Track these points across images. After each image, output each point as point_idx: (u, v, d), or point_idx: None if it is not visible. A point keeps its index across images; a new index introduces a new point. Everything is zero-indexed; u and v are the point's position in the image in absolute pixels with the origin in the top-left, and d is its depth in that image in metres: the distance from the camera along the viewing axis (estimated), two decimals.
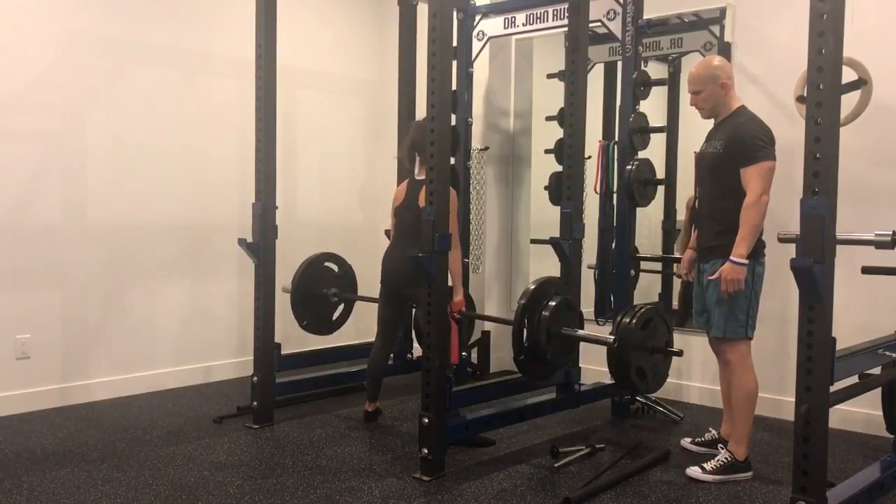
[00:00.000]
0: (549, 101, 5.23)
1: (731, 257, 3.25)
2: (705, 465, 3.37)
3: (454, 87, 4.55)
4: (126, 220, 4.74)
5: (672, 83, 5.18)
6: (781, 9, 4.34)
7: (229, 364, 5.23)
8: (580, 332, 3.61)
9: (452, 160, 4.48)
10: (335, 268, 4.74)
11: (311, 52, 5.70)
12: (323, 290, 4.67)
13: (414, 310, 4.47)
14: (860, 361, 2.90)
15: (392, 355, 4.54)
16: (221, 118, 5.15)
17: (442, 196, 3.36)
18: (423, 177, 3.91)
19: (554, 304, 3.50)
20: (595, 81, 5.11)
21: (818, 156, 2.38)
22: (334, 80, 5.93)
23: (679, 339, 4.37)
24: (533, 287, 3.52)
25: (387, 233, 4.32)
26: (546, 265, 5.24)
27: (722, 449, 3.45)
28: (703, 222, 3.54)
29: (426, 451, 3.37)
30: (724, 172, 3.36)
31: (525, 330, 3.45)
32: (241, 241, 4.10)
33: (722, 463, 3.37)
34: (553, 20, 4.84)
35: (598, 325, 4.79)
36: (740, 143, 3.29)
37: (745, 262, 3.24)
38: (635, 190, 4.39)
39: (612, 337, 3.50)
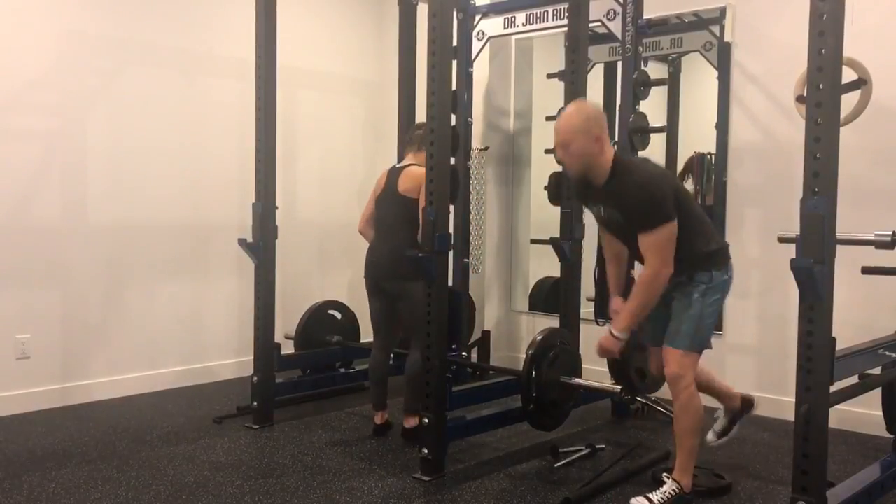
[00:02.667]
0: (549, 101, 5.23)
1: (612, 329, 3.01)
2: (651, 497, 3.03)
3: (454, 87, 4.54)
4: (126, 220, 4.74)
5: (672, 83, 5.18)
6: (781, 9, 4.34)
7: (229, 364, 5.23)
8: (587, 382, 3.80)
9: (452, 160, 4.48)
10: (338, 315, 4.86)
11: (311, 52, 5.70)
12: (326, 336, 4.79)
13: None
14: (860, 361, 2.90)
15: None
16: (221, 118, 5.15)
17: (442, 196, 3.36)
18: (402, 164, 3.92)
19: (557, 356, 3.70)
20: (595, 81, 5.11)
21: (818, 156, 2.38)
22: (334, 80, 5.92)
23: None
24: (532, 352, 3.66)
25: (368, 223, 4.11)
26: (546, 265, 5.24)
27: (668, 478, 3.12)
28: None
29: (426, 451, 3.37)
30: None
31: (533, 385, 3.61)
32: (241, 241, 4.09)
33: (669, 495, 3.05)
34: (553, 20, 4.84)
35: (598, 325, 4.80)
36: (634, 209, 2.93)
37: (624, 337, 3.00)
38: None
39: (619, 387, 3.66)
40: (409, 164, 3.90)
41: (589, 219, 4.44)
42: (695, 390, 3.04)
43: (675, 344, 3.03)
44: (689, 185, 5.21)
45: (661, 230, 2.87)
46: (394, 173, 3.92)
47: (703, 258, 3.04)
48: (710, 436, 3.47)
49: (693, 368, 3.04)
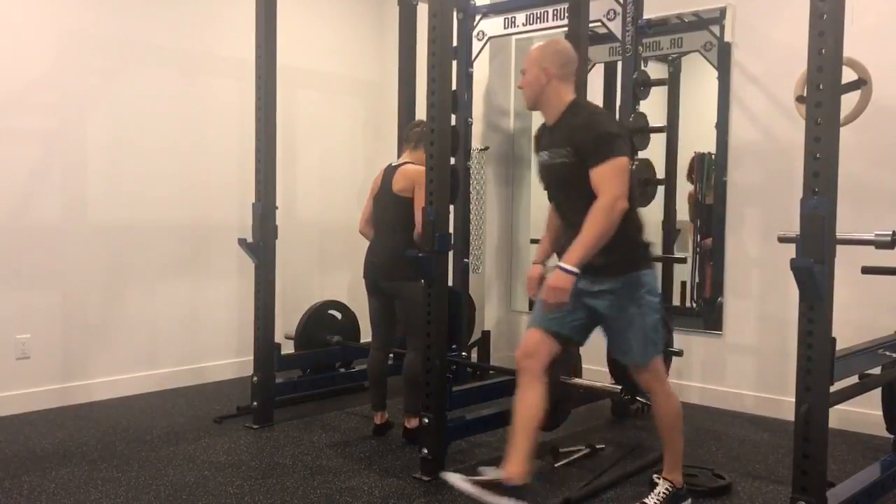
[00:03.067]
0: None
1: (561, 264, 2.69)
2: (647, 501, 2.99)
3: (454, 87, 4.54)
4: (126, 220, 4.74)
5: (672, 83, 5.18)
6: (781, 9, 4.34)
7: (229, 364, 5.23)
8: (587, 382, 3.83)
9: (452, 160, 4.48)
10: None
11: (311, 52, 5.70)
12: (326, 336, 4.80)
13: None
14: (860, 361, 2.90)
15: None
16: (221, 118, 5.15)
17: (442, 196, 3.36)
18: (398, 163, 3.93)
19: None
20: (595, 81, 5.11)
21: (818, 156, 2.38)
22: (334, 80, 5.93)
23: (679, 339, 4.39)
24: None
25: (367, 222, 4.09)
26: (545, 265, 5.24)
27: (659, 480, 3.06)
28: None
29: (426, 451, 3.37)
30: (583, 183, 2.75)
31: None
32: (241, 241, 4.09)
33: (664, 495, 2.99)
34: (553, 20, 4.84)
35: None
36: (587, 142, 2.73)
37: (576, 271, 2.67)
38: (635, 190, 4.38)
39: (619, 387, 3.69)
40: (405, 163, 3.90)
41: None
42: (670, 390, 2.99)
43: (632, 358, 2.91)
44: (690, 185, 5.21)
45: (616, 161, 2.69)
46: (389, 172, 3.92)
47: (635, 249, 2.86)
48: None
49: (660, 371, 2.96)
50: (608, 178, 2.68)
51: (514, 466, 2.77)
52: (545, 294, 2.74)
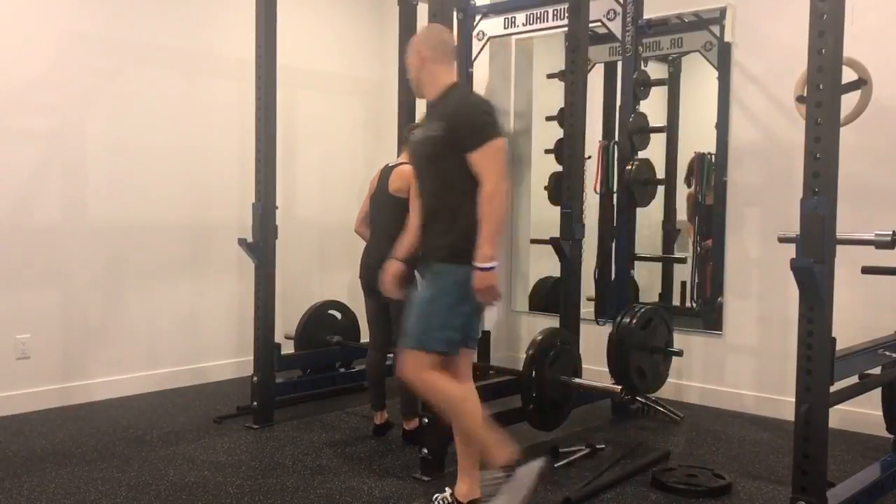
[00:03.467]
0: (549, 101, 5.24)
1: (477, 263, 2.65)
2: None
3: None
4: (126, 220, 4.74)
5: (672, 83, 5.18)
6: (781, 9, 4.34)
7: (229, 364, 5.23)
8: (587, 382, 3.86)
9: None
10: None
11: (311, 52, 5.70)
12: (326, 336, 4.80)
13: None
14: (860, 361, 2.90)
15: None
16: (221, 118, 5.15)
17: None
18: (394, 163, 3.93)
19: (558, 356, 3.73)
20: (595, 81, 5.11)
21: (818, 156, 2.38)
22: (334, 80, 5.93)
23: (679, 339, 4.39)
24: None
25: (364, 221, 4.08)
26: (546, 265, 5.25)
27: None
28: (428, 224, 2.87)
29: (426, 451, 3.37)
30: (446, 162, 2.76)
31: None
32: (241, 241, 4.09)
33: (491, 481, 2.85)
34: (553, 20, 4.84)
35: (599, 325, 4.80)
36: (462, 126, 2.72)
37: (494, 264, 2.66)
38: (635, 190, 4.39)
39: (619, 387, 3.72)
40: (401, 163, 3.89)
41: (589, 219, 4.46)
42: (439, 386, 2.79)
43: (404, 343, 2.83)
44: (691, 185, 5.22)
45: (494, 143, 2.69)
46: (386, 173, 3.91)
47: (463, 240, 2.71)
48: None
49: (424, 369, 2.77)
50: (488, 162, 2.68)
51: (500, 453, 2.85)
52: (481, 297, 2.71)
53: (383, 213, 3.85)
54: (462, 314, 2.77)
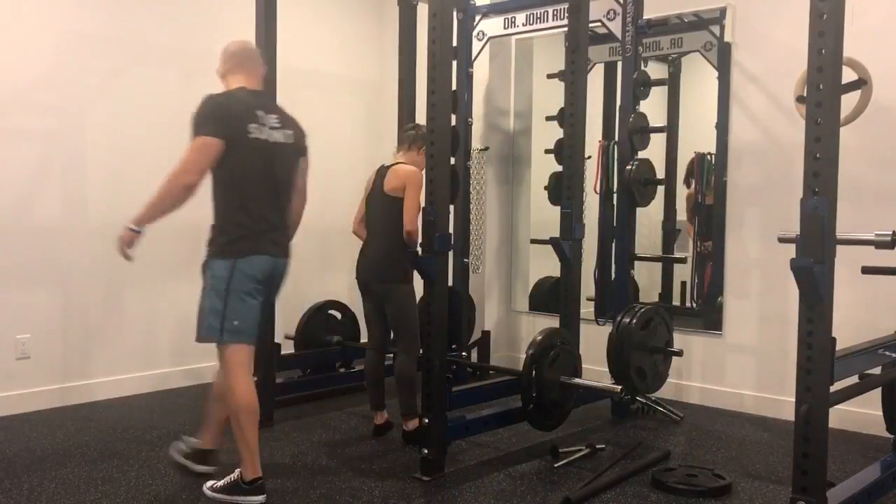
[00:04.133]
0: (549, 101, 5.24)
1: (129, 224, 3.23)
2: (214, 483, 3.13)
3: (454, 87, 4.55)
4: (126, 220, 4.72)
5: (672, 83, 5.19)
6: (781, 9, 4.34)
7: None
8: (587, 382, 3.85)
9: (452, 160, 4.48)
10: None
11: (311, 52, 5.70)
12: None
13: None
14: (860, 361, 2.90)
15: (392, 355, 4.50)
16: None
17: (442, 196, 3.36)
18: (391, 163, 3.91)
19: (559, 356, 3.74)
20: (595, 81, 5.11)
21: (818, 156, 2.38)
22: (334, 80, 5.92)
23: (679, 339, 4.39)
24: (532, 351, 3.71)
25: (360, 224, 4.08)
26: (546, 265, 5.25)
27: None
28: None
29: (426, 451, 3.37)
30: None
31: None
32: None
33: (228, 482, 3.08)
34: (553, 20, 4.84)
35: (599, 325, 4.80)
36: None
37: (138, 230, 3.20)
38: (635, 190, 4.39)
39: (619, 387, 3.74)
40: (397, 163, 3.89)
41: (589, 219, 4.46)
42: (234, 382, 3.12)
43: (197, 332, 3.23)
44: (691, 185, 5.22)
45: (194, 140, 3.13)
46: (382, 172, 3.90)
47: (222, 233, 3.35)
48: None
49: (227, 358, 3.16)
50: (183, 154, 3.19)
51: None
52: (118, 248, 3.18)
53: (379, 212, 3.85)
54: (227, 306, 3.17)
